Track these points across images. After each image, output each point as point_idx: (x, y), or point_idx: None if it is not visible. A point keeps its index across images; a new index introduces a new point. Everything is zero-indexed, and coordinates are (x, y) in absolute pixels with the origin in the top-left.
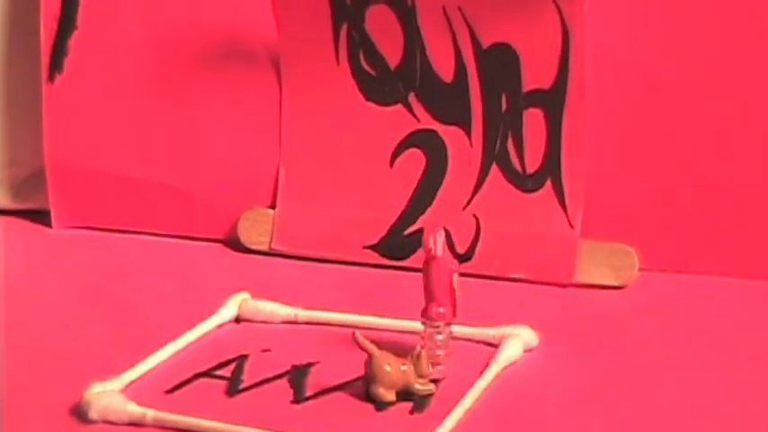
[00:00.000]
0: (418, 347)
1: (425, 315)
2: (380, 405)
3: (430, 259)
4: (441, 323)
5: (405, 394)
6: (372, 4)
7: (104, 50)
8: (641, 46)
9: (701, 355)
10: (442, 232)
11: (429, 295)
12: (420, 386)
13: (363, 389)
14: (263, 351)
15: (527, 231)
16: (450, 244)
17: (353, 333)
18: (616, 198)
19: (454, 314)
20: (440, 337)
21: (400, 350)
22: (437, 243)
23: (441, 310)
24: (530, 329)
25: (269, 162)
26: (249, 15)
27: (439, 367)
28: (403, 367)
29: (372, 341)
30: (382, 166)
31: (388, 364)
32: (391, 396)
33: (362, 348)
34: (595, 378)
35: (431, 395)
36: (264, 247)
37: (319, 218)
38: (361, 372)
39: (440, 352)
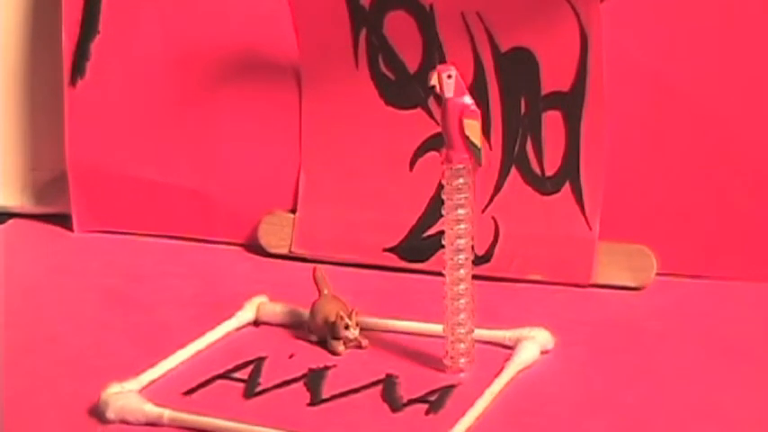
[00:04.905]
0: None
1: (445, 158)
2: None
3: (443, 101)
4: (461, 166)
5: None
6: (391, 9)
7: (126, 55)
8: (659, 49)
9: (717, 359)
10: (452, 72)
11: (446, 140)
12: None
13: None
14: (290, 357)
15: (545, 233)
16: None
17: (314, 268)
18: (634, 200)
19: (472, 161)
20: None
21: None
22: (442, 82)
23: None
24: (546, 332)
25: (289, 166)
26: (269, 20)
27: (462, 374)
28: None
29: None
30: (402, 170)
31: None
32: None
33: (317, 285)
34: (611, 381)
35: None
36: (284, 251)
37: (339, 221)
38: (378, 375)
39: (462, 211)
